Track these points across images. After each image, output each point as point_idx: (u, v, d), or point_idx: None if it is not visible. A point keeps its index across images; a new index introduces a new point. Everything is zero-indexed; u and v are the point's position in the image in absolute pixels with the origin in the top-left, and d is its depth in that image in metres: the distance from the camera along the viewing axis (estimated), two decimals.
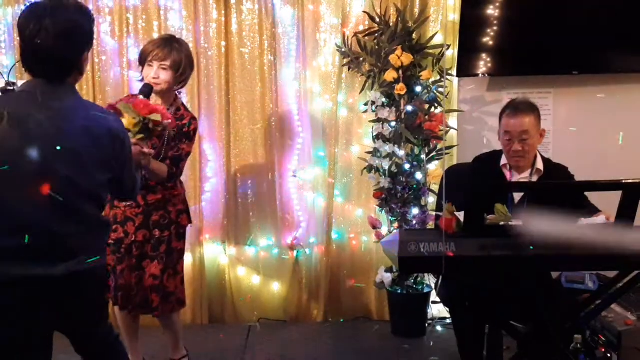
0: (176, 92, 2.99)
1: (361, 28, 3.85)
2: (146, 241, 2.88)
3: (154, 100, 2.87)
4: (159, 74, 2.83)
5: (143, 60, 2.89)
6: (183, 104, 3.03)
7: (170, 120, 2.65)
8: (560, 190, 2.62)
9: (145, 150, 2.51)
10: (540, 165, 2.85)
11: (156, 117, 2.50)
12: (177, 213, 2.96)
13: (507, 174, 2.88)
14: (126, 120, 2.44)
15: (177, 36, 3.77)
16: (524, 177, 2.85)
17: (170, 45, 2.88)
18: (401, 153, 3.69)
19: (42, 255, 1.94)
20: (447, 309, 3.28)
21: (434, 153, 3.76)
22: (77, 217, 2.00)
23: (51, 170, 1.93)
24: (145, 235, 2.88)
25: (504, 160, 2.89)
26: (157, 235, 2.89)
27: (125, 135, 2.17)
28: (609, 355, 3.00)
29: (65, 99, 2.02)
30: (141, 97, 2.68)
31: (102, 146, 2.03)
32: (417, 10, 3.82)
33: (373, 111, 3.72)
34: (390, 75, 3.59)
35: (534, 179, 2.84)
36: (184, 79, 2.95)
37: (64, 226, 1.97)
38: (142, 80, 2.89)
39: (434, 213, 3.43)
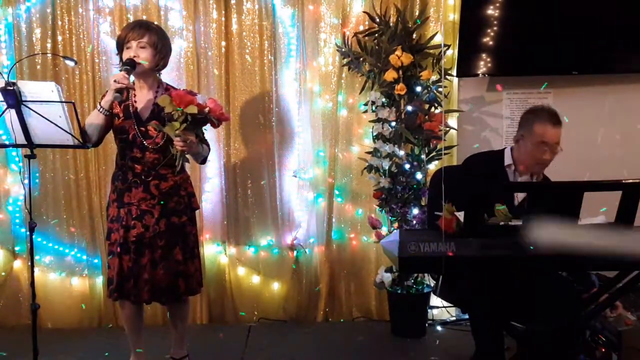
0: (158, 74, 2.99)
1: (361, 28, 3.85)
2: (168, 229, 2.93)
3: (139, 85, 2.92)
4: (138, 52, 2.84)
5: (120, 45, 2.90)
6: (170, 85, 3.02)
7: (208, 108, 2.72)
8: (563, 192, 2.61)
9: (190, 139, 2.70)
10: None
11: (192, 109, 2.63)
12: (189, 196, 3.03)
13: (511, 175, 2.87)
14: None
15: (177, 36, 3.81)
16: (527, 178, 2.85)
17: (145, 25, 2.91)
18: (401, 153, 3.69)
19: None
20: (465, 312, 3.19)
21: (434, 153, 3.76)
22: None
23: None
24: (166, 223, 2.92)
25: (508, 160, 2.88)
26: (176, 222, 2.94)
27: None
28: (609, 355, 2.99)
29: None
30: (124, 72, 2.73)
31: None
32: (417, 10, 3.83)
33: (373, 111, 3.72)
34: (390, 75, 3.59)
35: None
36: (163, 59, 2.93)
37: None
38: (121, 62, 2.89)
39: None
